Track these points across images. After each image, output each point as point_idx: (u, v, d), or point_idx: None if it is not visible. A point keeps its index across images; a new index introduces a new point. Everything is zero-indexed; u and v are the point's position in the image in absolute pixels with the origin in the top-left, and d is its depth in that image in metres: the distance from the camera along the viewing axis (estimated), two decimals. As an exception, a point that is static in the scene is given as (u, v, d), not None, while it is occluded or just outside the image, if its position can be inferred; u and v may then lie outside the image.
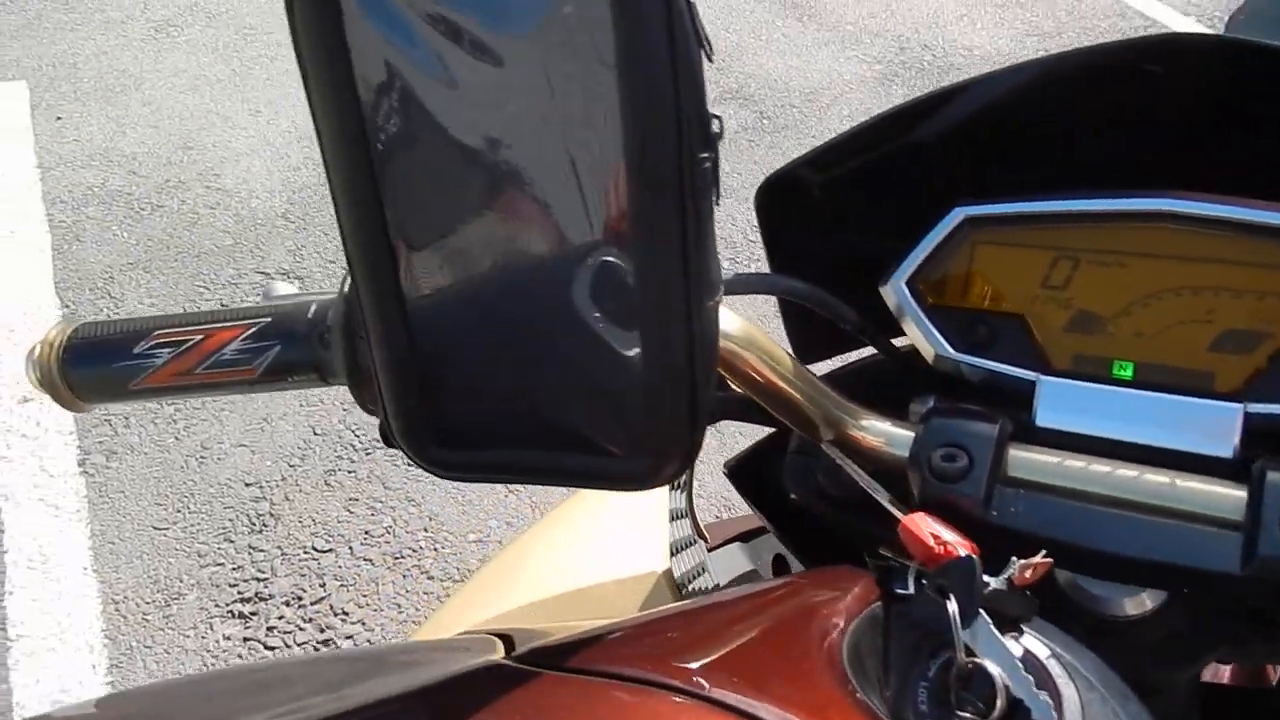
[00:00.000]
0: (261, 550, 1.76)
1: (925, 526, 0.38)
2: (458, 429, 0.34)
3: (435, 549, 1.77)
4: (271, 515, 1.82)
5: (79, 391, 0.45)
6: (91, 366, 0.44)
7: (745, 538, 0.73)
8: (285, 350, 0.43)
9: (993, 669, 0.33)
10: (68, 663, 1.59)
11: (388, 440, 0.42)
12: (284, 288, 0.60)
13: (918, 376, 0.51)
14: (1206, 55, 0.44)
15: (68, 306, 2.24)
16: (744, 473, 0.59)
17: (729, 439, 1.80)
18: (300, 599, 1.69)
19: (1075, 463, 0.41)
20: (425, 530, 1.80)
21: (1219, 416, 0.42)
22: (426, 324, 0.33)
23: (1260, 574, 0.38)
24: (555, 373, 0.33)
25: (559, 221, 0.31)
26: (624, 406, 0.32)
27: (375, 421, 0.38)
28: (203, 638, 1.63)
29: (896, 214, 0.50)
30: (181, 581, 1.71)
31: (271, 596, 1.69)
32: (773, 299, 0.51)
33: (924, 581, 0.36)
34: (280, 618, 1.66)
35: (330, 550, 1.77)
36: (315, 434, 1.97)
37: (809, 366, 0.46)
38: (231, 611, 1.67)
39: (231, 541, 1.78)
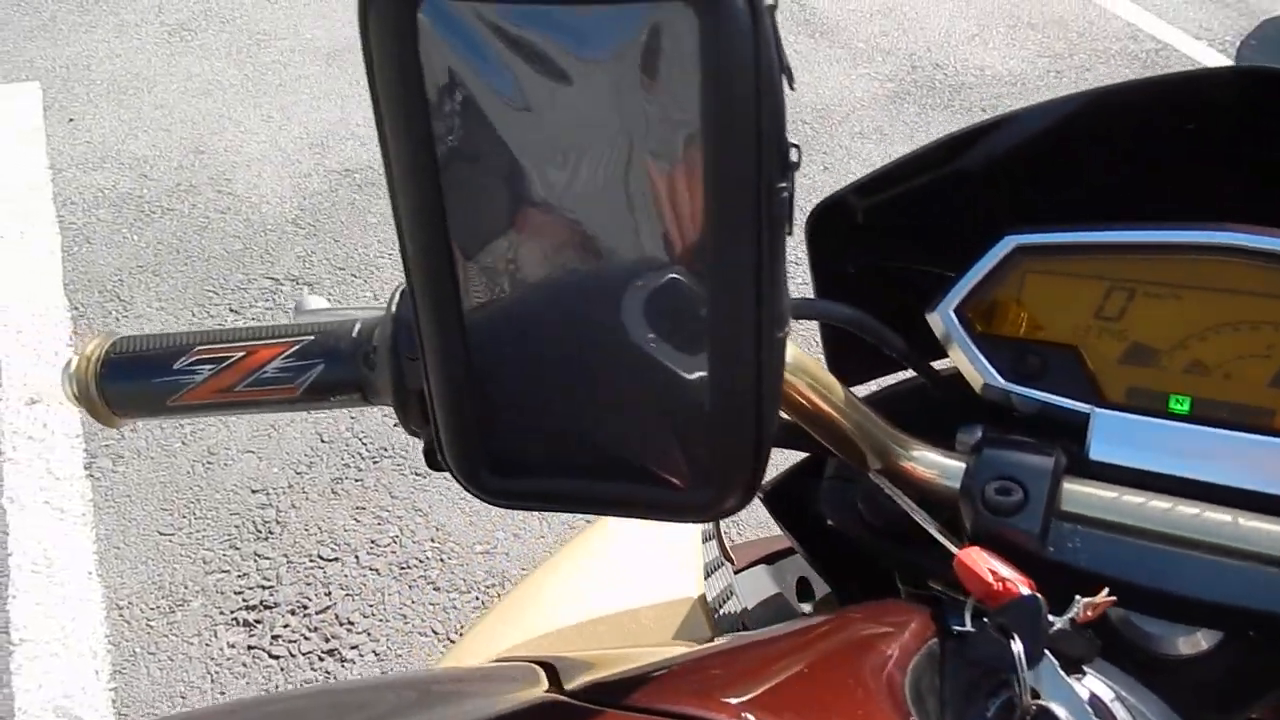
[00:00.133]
0: (267, 558, 1.75)
1: (982, 562, 0.37)
2: (512, 456, 0.34)
3: (442, 560, 1.76)
4: (278, 523, 1.81)
5: (116, 407, 0.44)
6: (130, 381, 0.44)
7: (770, 560, 0.73)
8: (329, 369, 0.42)
9: (1059, 712, 0.32)
10: (70, 668, 1.57)
11: (433, 464, 0.41)
12: (316, 301, 0.59)
13: (959, 404, 0.50)
14: (1268, 87, 0.43)
15: (76, 309, 2.24)
16: (778, 496, 0.59)
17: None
18: (305, 608, 1.68)
19: (1133, 498, 0.41)
20: (432, 541, 1.79)
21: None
22: (485, 347, 0.32)
23: None
24: (615, 401, 0.32)
25: (627, 247, 0.30)
26: (686, 436, 0.32)
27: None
28: (207, 645, 1.62)
29: (944, 241, 0.49)
30: (186, 588, 1.70)
31: (277, 605, 1.68)
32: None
33: (985, 619, 0.35)
34: (285, 626, 1.65)
35: (336, 559, 1.75)
36: (323, 441, 1.96)
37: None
38: (236, 619, 1.65)
39: (237, 548, 1.77)
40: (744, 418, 0.30)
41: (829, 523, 0.55)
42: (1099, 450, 0.44)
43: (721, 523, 0.68)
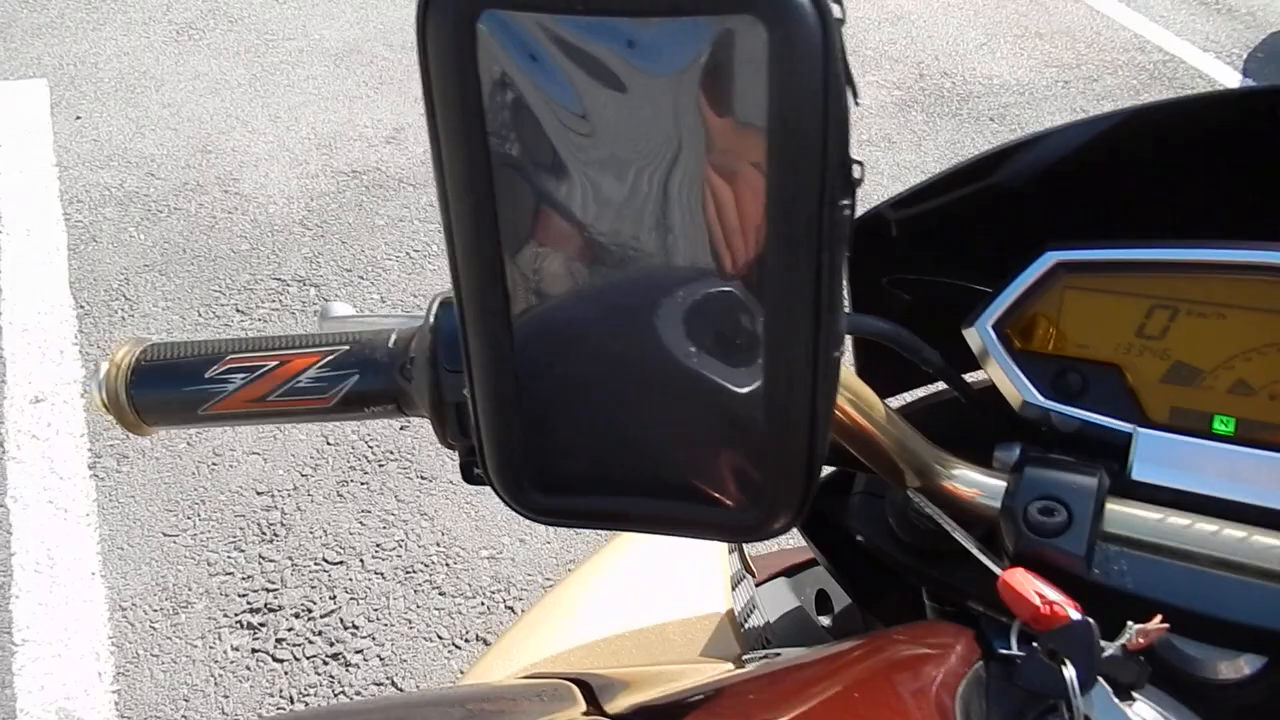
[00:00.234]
0: (272, 560, 1.74)
1: (1028, 584, 0.37)
2: (558, 472, 0.33)
3: (448, 564, 1.75)
4: (282, 525, 1.80)
5: (145, 415, 0.43)
6: (160, 390, 0.43)
7: (790, 572, 0.72)
8: (364, 380, 0.41)
9: (1113, 740, 0.31)
10: (73, 669, 1.57)
11: (471, 478, 0.41)
12: (341, 308, 0.59)
13: (992, 419, 0.50)
14: None
15: (82, 307, 2.23)
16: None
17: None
18: (310, 611, 1.67)
19: (1178, 520, 0.40)
20: (438, 545, 1.78)
21: None
22: (533, 360, 0.32)
23: None
24: (664, 417, 0.32)
25: (681, 260, 0.29)
26: (737, 455, 0.31)
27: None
28: (211, 648, 1.61)
29: (980, 257, 0.49)
30: (190, 590, 1.69)
31: (281, 608, 1.67)
32: None
33: (1034, 643, 0.35)
34: (290, 629, 1.64)
35: (341, 562, 1.75)
36: (328, 444, 1.96)
37: None
38: (240, 622, 1.65)
39: (242, 550, 1.76)
40: (797, 437, 0.30)
41: (858, 538, 0.54)
42: (1141, 471, 0.43)
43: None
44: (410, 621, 1.66)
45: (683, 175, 0.28)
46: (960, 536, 0.42)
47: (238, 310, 2.25)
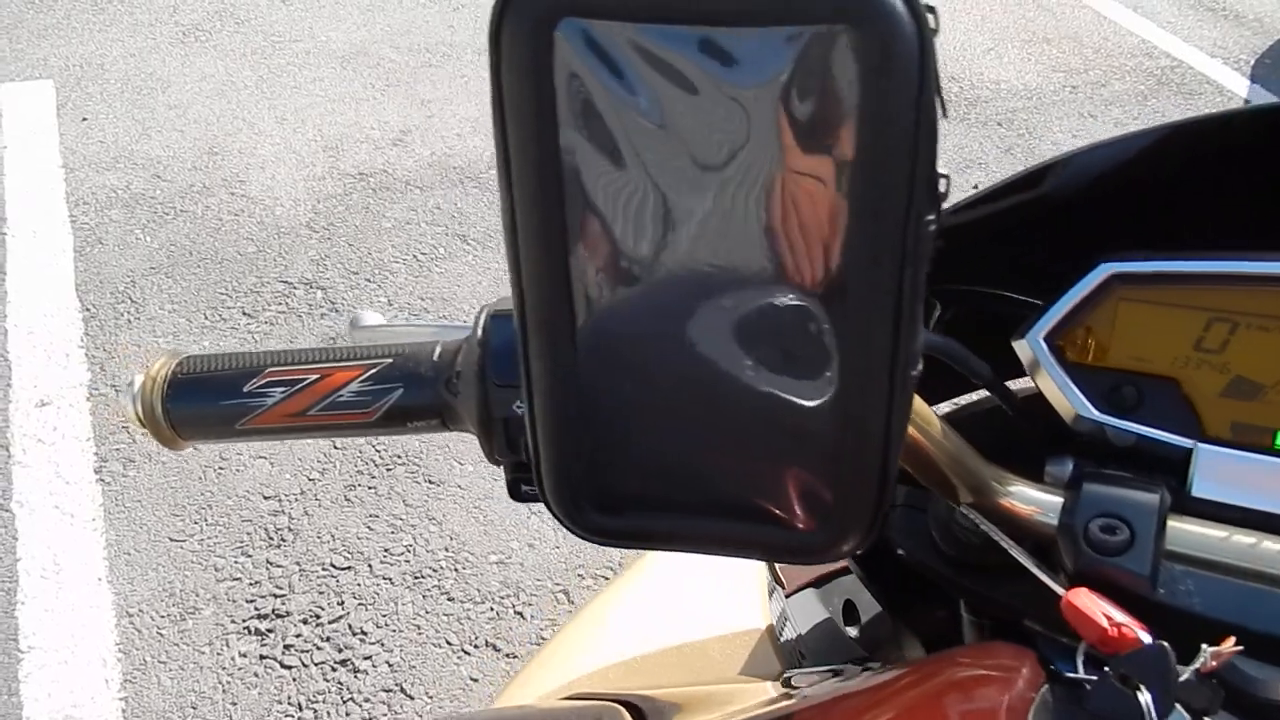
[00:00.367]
0: (279, 566, 1.73)
1: (1094, 605, 0.36)
2: (618, 493, 0.32)
3: (456, 569, 1.74)
4: (290, 530, 1.79)
5: (181, 430, 0.42)
6: (197, 404, 0.42)
7: (818, 583, 0.71)
8: (408, 394, 0.40)
9: (1193, 769, 0.30)
10: (80, 676, 1.55)
11: (518, 495, 0.40)
12: (372, 317, 0.58)
13: (1039, 432, 0.49)
14: None
15: (88, 310, 2.22)
16: None
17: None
18: (318, 617, 1.66)
19: (1244, 539, 0.39)
20: (446, 550, 1.77)
21: None
22: (596, 375, 0.31)
23: None
24: (732, 435, 0.31)
25: (754, 274, 0.28)
26: (806, 475, 0.30)
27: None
28: (218, 654, 1.60)
29: (1030, 268, 0.48)
30: (197, 595, 1.68)
31: (289, 614, 1.66)
32: None
33: (1104, 668, 0.34)
34: (298, 635, 1.63)
35: (349, 568, 1.74)
36: (335, 448, 1.94)
37: None
38: (248, 628, 1.63)
39: (249, 556, 1.75)
40: (870, 457, 0.29)
41: (899, 551, 0.53)
42: (1202, 487, 0.42)
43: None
44: (419, 627, 1.65)
45: (761, 187, 0.27)
46: (1019, 555, 0.41)
47: (244, 313, 2.24)
